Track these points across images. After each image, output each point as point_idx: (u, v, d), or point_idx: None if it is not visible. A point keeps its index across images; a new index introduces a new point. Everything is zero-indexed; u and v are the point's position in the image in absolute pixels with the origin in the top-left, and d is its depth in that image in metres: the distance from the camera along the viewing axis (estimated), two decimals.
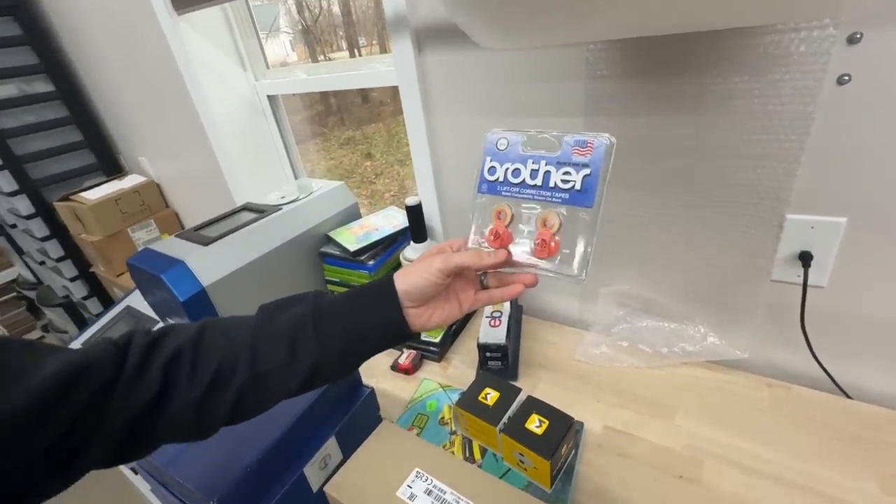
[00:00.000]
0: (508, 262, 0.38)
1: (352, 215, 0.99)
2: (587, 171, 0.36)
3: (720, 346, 0.69)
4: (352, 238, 0.89)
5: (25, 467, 0.28)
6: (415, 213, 0.80)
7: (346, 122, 1.74)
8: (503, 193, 0.39)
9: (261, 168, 1.34)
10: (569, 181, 0.36)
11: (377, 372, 0.81)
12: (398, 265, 0.89)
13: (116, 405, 0.32)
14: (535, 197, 0.38)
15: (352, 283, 0.88)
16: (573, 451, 0.57)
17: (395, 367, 0.80)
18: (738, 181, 0.59)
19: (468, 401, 0.58)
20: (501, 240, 0.38)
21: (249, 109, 1.30)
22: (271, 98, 1.30)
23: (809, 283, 0.60)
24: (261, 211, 0.87)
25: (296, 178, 1.38)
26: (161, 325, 0.74)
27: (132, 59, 1.39)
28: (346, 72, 1.04)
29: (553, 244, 0.36)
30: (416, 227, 0.82)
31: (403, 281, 0.38)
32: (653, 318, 0.75)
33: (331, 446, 0.53)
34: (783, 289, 0.63)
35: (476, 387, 0.60)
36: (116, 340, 0.35)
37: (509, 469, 0.56)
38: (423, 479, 0.39)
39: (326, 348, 0.36)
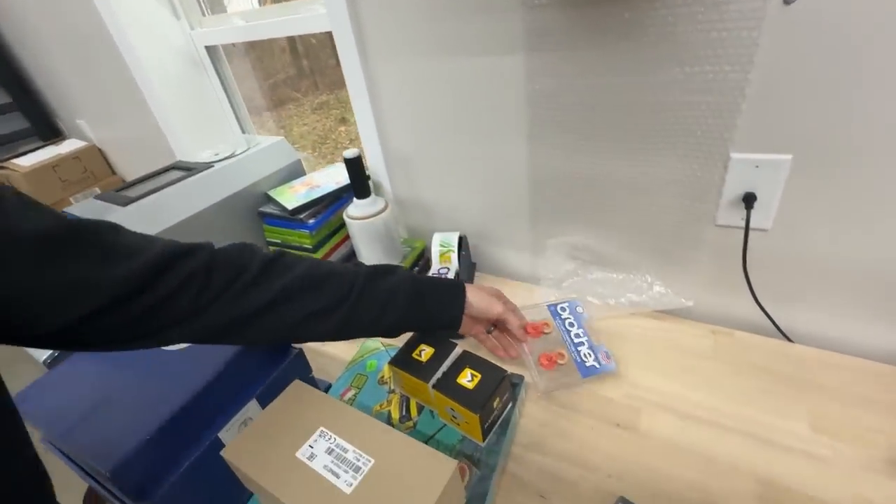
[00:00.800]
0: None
1: (294, 173, 0.93)
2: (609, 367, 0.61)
3: (666, 294, 0.67)
4: (292, 197, 0.84)
5: (125, 327, 0.35)
6: (354, 166, 0.75)
7: (320, 86, 1.64)
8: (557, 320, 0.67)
9: (206, 127, 1.26)
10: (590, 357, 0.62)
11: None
12: (341, 224, 0.85)
13: (222, 302, 0.39)
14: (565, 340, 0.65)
15: (292, 244, 0.84)
16: (509, 405, 0.55)
17: None
18: (682, 119, 0.56)
19: (402, 357, 0.56)
20: (530, 335, 0.64)
21: (186, 62, 1.19)
22: (210, 49, 1.19)
23: (753, 226, 0.58)
24: (189, 169, 0.81)
25: (243, 133, 1.29)
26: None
27: (54, 7, 1.25)
28: (286, 17, 0.95)
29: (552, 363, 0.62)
30: (358, 182, 0.77)
31: (474, 294, 0.55)
32: (602, 269, 0.73)
33: (252, 409, 0.50)
34: (728, 233, 0.61)
35: (411, 344, 0.57)
36: (230, 249, 0.43)
37: (444, 425, 0.55)
38: (327, 437, 0.36)
39: (407, 316, 0.49)
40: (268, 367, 0.54)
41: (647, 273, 0.69)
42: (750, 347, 0.63)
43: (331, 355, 0.73)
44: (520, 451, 0.55)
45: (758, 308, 0.63)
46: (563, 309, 0.68)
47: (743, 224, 0.58)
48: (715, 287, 0.66)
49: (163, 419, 0.43)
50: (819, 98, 0.48)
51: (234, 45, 1.21)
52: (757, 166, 0.54)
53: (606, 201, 0.67)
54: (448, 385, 0.51)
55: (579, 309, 0.68)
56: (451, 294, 0.53)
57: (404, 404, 0.58)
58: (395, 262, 0.83)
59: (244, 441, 0.37)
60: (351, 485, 0.32)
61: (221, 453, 0.37)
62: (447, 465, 0.33)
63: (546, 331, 0.66)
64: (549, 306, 0.69)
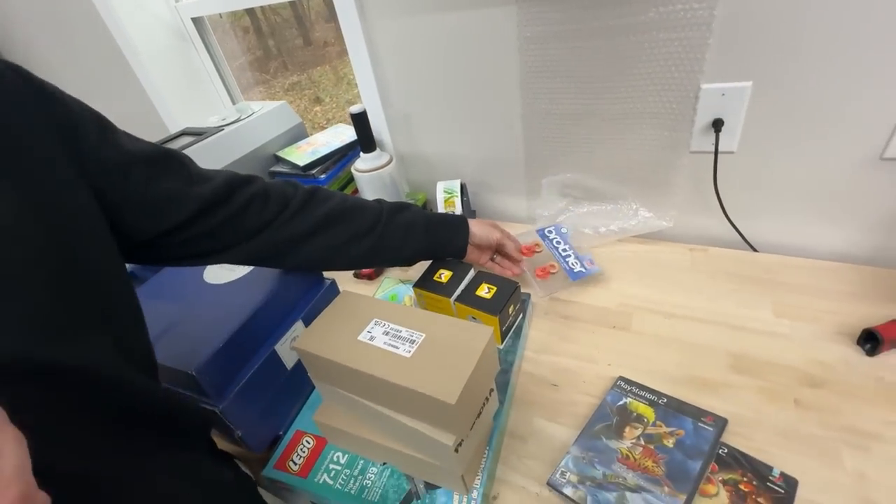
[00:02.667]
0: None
1: (298, 135, 0.97)
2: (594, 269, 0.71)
3: (650, 218, 0.76)
4: (301, 155, 0.89)
5: (206, 238, 0.44)
6: (360, 120, 0.80)
7: (290, 67, 1.63)
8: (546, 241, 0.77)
9: (197, 100, 1.27)
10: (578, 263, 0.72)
11: (340, 280, 0.84)
12: (350, 179, 0.90)
13: (275, 226, 0.48)
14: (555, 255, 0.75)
15: None
16: (520, 315, 0.64)
17: (358, 275, 0.84)
18: (658, 57, 0.63)
19: (424, 281, 0.63)
20: (524, 255, 0.73)
21: (174, 36, 1.20)
22: (196, 21, 1.20)
23: (722, 149, 0.66)
24: (200, 133, 0.85)
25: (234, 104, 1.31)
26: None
27: None
28: None
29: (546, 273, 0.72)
30: (364, 136, 0.82)
31: (475, 226, 0.64)
32: (591, 203, 0.81)
33: (298, 328, 0.57)
34: (701, 158, 0.69)
35: (431, 270, 0.65)
36: (286, 181, 0.53)
37: None
38: (381, 324, 0.43)
39: (425, 247, 0.59)
40: (307, 295, 0.61)
41: (633, 201, 0.77)
42: (722, 259, 0.73)
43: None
44: (532, 354, 0.64)
45: (728, 225, 0.72)
46: (549, 231, 0.78)
47: (712, 148, 0.67)
48: (691, 208, 0.75)
49: (230, 332, 0.49)
50: (773, 28, 0.56)
51: (219, 15, 1.23)
52: (723, 94, 0.62)
53: (594, 139, 0.75)
54: (468, 298, 0.59)
55: (563, 230, 0.78)
56: (457, 226, 0.63)
57: None
58: None
59: (310, 335, 0.44)
60: (410, 352, 0.40)
61: (293, 346, 0.44)
62: (485, 331, 0.40)
63: (537, 250, 0.76)
64: (537, 231, 0.79)
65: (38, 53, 1.47)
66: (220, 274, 0.59)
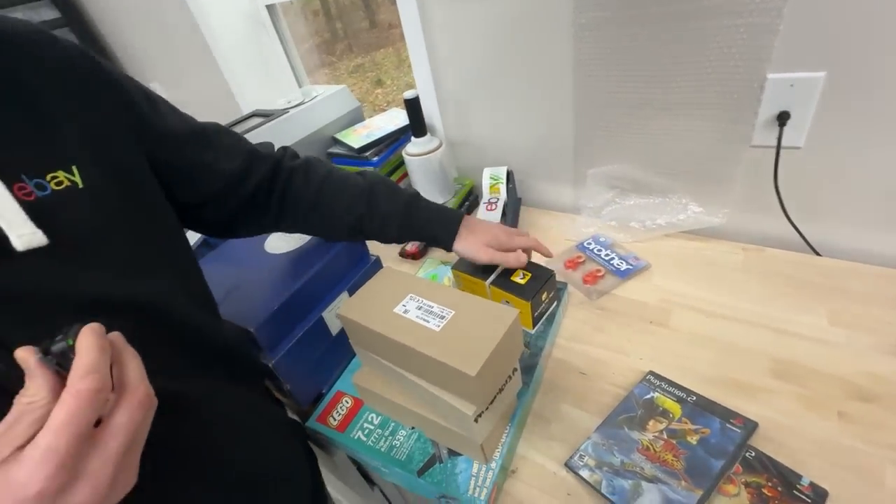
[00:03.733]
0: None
1: (356, 118, 1.02)
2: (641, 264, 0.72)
3: (700, 213, 0.73)
4: (356, 138, 0.94)
5: (232, 211, 0.51)
6: (413, 106, 0.83)
7: (355, 49, 1.68)
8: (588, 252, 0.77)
9: (269, 84, 1.37)
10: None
11: (386, 258, 0.89)
12: (400, 162, 0.94)
13: (276, 197, 0.54)
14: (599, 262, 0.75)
15: None
16: (554, 303, 0.65)
17: (403, 254, 0.88)
18: (721, 44, 0.60)
19: (462, 264, 0.66)
20: (568, 269, 0.75)
21: (250, 22, 1.30)
22: (270, 8, 1.28)
23: (787, 144, 0.62)
24: (268, 115, 0.92)
25: (300, 87, 1.39)
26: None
27: None
28: None
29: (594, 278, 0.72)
30: (416, 121, 0.85)
31: (460, 244, 0.58)
32: (639, 195, 0.79)
33: (344, 298, 0.62)
34: (763, 154, 0.65)
35: None
36: (276, 154, 0.57)
37: None
38: (415, 300, 0.47)
39: (402, 237, 0.58)
40: (353, 269, 0.66)
41: (683, 195, 0.75)
42: (779, 261, 0.69)
43: None
44: (564, 342, 0.65)
45: (788, 225, 0.68)
46: (589, 244, 0.78)
47: (775, 144, 0.63)
48: (748, 206, 0.71)
49: (285, 297, 0.55)
50: (852, 13, 0.52)
51: (291, 1, 1.30)
52: (792, 85, 0.58)
53: (646, 129, 0.73)
54: (503, 282, 0.61)
55: (602, 238, 0.78)
56: (443, 226, 0.58)
57: None
58: (447, 198, 0.93)
59: (353, 305, 0.49)
60: (439, 326, 0.43)
61: (338, 312, 0.49)
62: (511, 312, 0.43)
63: (580, 261, 0.75)
64: (576, 246, 0.79)
65: (136, 41, 1.64)
66: (278, 244, 0.65)
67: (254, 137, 0.87)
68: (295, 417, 0.56)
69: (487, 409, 0.43)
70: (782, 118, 0.60)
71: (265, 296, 0.56)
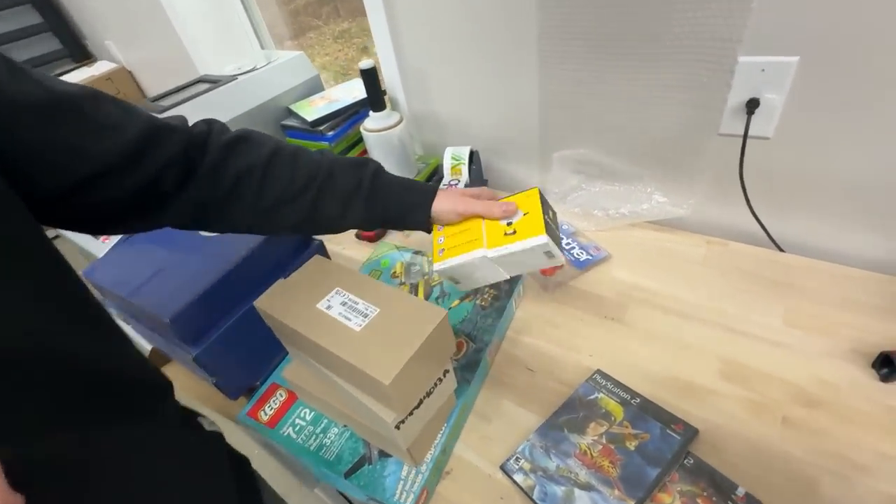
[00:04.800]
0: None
1: (314, 88, 0.95)
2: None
3: (665, 203, 0.70)
4: (312, 110, 0.88)
5: (115, 203, 0.37)
6: (369, 77, 0.77)
7: (342, 12, 1.57)
8: None
9: (227, 43, 1.27)
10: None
11: (343, 239, 0.85)
12: (359, 138, 0.89)
13: (193, 187, 0.40)
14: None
15: None
16: (519, 281, 0.61)
17: (360, 236, 0.84)
18: (692, 23, 0.55)
19: None
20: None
21: None
22: None
23: (756, 133, 0.59)
24: (215, 81, 0.85)
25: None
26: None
27: None
28: None
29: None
30: (373, 94, 0.79)
31: (437, 205, 0.48)
32: (605, 182, 0.75)
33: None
34: (730, 142, 0.62)
35: None
36: (199, 127, 0.42)
37: (449, 309, 0.62)
38: (341, 294, 0.43)
39: (366, 220, 0.47)
40: (294, 254, 0.62)
41: (649, 184, 0.71)
42: (741, 255, 0.66)
43: (346, 256, 0.81)
44: (514, 335, 0.62)
45: (753, 219, 0.65)
46: None
47: (743, 133, 0.59)
48: (714, 197, 0.68)
49: (209, 283, 0.51)
50: None
51: None
52: (763, 70, 0.54)
53: (613, 112, 0.68)
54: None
55: (564, 226, 0.74)
56: (415, 200, 0.49)
57: (413, 293, 0.66)
58: (409, 177, 0.88)
59: (273, 296, 0.45)
60: (360, 325, 0.40)
61: (255, 303, 0.45)
62: (438, 312, 0.39)
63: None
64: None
65: (90, 5, 1.52)
66: None
67: (199, 106, 0.81)
68: (213, 429, 0.48)
69: (412, 414, 0.41)
70: (751, 105, 0.56)
71: (189, 281, 0.52)
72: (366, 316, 0.40)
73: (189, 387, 0.64)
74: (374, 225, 0.48)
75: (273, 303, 0.44)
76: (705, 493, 0.42)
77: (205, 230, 0.45)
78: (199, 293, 0.50)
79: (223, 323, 0.53)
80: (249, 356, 0.57)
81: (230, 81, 0.85)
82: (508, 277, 0.48)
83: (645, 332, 0.59)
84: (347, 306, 0.42)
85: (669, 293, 0.63)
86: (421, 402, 0.41)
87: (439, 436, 0.48)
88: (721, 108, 0.59)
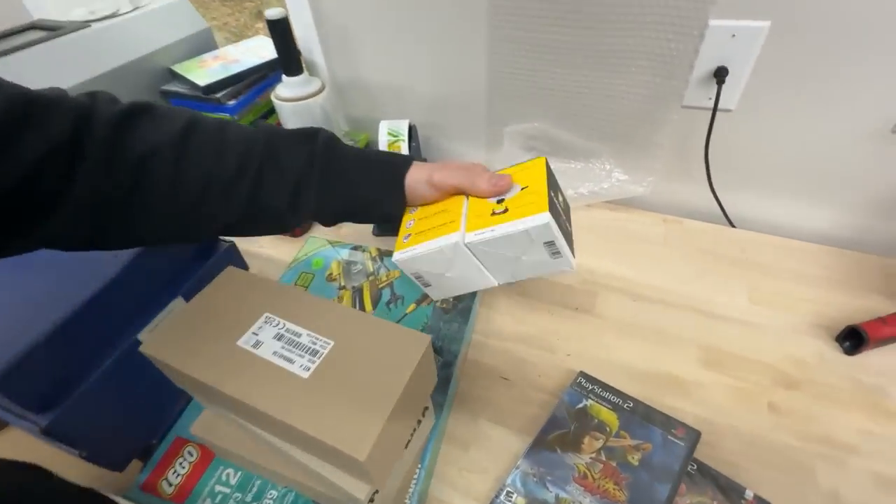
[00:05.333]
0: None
1: (203, 45, 0.76)
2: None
3: (625, 182, 0.66)
4: (203, 73, 0.69)
5: None
6: (280, 31, 0.61)
7: None
8: None
9: None
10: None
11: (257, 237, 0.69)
12: (271, 109, 0.72)
13: (83, 181, 0.28)
14: None
15: None
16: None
17: None
18: None
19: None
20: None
21: None
22: None
23: (720, 105, 0.56)
24: (55, 29, 0.62)
25: None
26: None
27: None
28: None
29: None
30: (285, 53, 0.64)
31: (407, 177, 0.37)
32: (559, 159, 0.69)
33: (178, 308, 0.43)
34: (693, 116, 0.58)
35: None
36: (78, 100, 0.30)
37: (403, 317, 0.52)
38: (274, 323, 0.31)
39: (324, 209, 0.35)
40: (194, 262, 0.46)
41: (607, 161, 0.66)
42: (698, 233, 0.65)
43: (266, 256, 0.66)
44: (480, 337, 0.54)
45: (708, 195, 0.64)
46: None
47: (708, 104, 0.56)
48: (672, 173, 0.66)
49: (59, 320, 0.35)
50: None
51: None
52: (733, 35, 0.51)
53: (571, 80, 0.62)
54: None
55: None
56: (383, 177, 0.37)
57: (357, 299, 0.54)
58: None
59: (168, 333, 0.31)
60: (308, 368, 0.28)
61: (140, 348, 0.30)
62: (419, 341, 0.29)
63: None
64: None
65: None
66: None
67: (31, 62, 0.58)
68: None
69: (384, 485, 0.30)
70: (720, 74, 0.53)
71: (25, 321, 0.35)
72: (314, 354, 0.29)
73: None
74: (331, 218, 0.37)
75: (168, 344, 0.30)
76: (715, 502, 0.38)
77: (107, 245, 0.33)
78: (41, 337, 0.33)
79: (91, 369, 0.37)
80: (136, 409, 0.42)
81: (79, 29, 0.62)
82: (497, 284, 0.37)
83: (619, 323, 0.54)
84: (285, 341, 0.30)
85: (636, 278, 0.59)
86: (395, 464, 0.31)
87: (413, 483, 0.39)
88: (686, 76, 0.55)
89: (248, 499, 0.39)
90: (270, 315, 0.31)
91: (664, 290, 0.58)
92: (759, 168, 0.61)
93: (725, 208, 0.64)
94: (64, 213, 0.28)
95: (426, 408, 0.34)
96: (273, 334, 0.30)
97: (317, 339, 0.29)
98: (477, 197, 0.36)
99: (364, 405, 0.26)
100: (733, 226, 0.65)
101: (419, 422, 0.34)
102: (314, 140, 0.35)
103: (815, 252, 0.60)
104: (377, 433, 0.24)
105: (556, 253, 0.32)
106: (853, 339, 0.49)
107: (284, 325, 0.30)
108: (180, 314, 0.32)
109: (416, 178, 0.37)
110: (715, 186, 0.63)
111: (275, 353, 0.29)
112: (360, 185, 0.36)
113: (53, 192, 0.28)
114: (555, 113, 0.66)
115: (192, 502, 0.39)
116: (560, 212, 0.34)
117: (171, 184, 0.31)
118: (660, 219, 0.67)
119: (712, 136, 0.58)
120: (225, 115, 0.67)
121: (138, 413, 0.42)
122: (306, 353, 0.29)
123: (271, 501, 0.38)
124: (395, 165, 0.38)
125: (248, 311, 0.32)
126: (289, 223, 0.36)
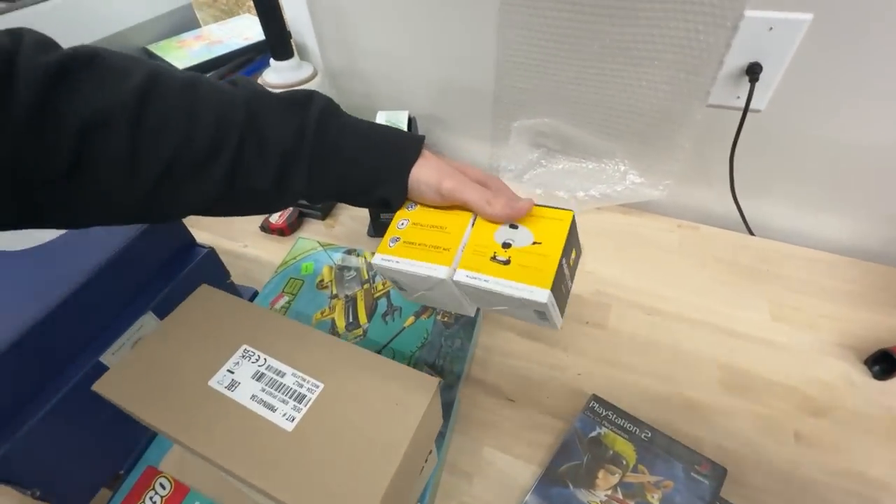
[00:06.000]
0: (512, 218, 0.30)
1: (184, 23, 0.69)
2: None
3: (641, 185, 0.61)
4: (183, 54, 0.63)
5: None
6: (268, 9, 0.55)
7: None
8: None
9: None
10: None
11: (242, 234, 0.64)
12: None
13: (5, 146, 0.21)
14: None
15: None
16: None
17: (267, 228, 0.64)
18: None
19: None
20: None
21: None
22: None
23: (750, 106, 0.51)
24: (12, 0, 0.56)
25: None
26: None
27: None
28: None
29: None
30: (274, 34, 0.58)
31: (416, 170, 0.31)
32: (571, 159, 0.64)
33: (147, 325, 0.38)
34: (719, 115, 0.54)
35: None
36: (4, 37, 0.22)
37: (399, 332, 0.47)
38: (253, 358, 0.26)
39: (314, 192, 0.30)
40: (167, 270, 0.41)
41: (622, 161, 0.62)
42: (714, 241, 0.61)
43: (252, 257, 0.61)
44: (482, 353, 0.50)
45: (726, 201, 0.60)
46: None
47: (737, 103, 0.51)
48: (690, 177, 0.62)
49: (4, 341, 0.30)
50: None
51: None
52: (771, 28, 0.46)
53: (588, 73, 0.57)
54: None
55: None
56: (385, 165, 0.31)
57: (350, 309, 0.49)
58: None
59: (128, 369, 0.26)
60: (293, 418, 0.23)
61: (94, 387, 0.26)
62: (425, 386, 0.24)
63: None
64: None
65: None
66: (11, 236, 0.37)
67: None
68: None
69: None
70: (753, 71, 0.48)
71: None
72: (300, 399, 0.24)
73: None
74: (322, 197, 0.31)
75: (126, 383, 0.25)
76: None
77: (42, 225, 0.25)
78: None
79: (43, 400, 0.32)
80: (99, 439, 0.37)
81: (41, 2, 0.56)
82: (472, 314, 0.35)
83: (634, 339, 0.51)
84: (266, 381, 0.25)
85: (649, 289, 0.55)
86: None
87: None
88: (714, 73, 0.51)
89: None
90: (249, 348, 0.27)
91: (680, 302, 0.54)
92: (784, 173, 0.57)
93: (748, 216, 0.61)
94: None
95: (430, 451, 0.30)
96: (252, 372, 0.25)
97: (303, 380, 0.25)
98: (487, 220, 0.31)
99: (360, 467, 0.21)
100: (752, 233, 0.61)
101: (422, 467, 0.30)
102: (306, 108, 0.29)
103: (839, 264, 0.57)
104: (380, 498, 0.20)
105: (543, 318, 0.29)
106: (884, 363, 0.46)
107: (266, 362, 0.26)
108: (142, 346, 0.27)
109: (423, 179, 0.31)
110: (737, 192, 0.59)
111: (253, 396, 0.24)
112: (357, 165, 0.30)
113: None
114: (567, 108, 0.61)
115: None
116: (566, 275, 0.30)
117: (124, 161, 0.24)
118: (674, 224, 0.63)
119: (741, 139, 0.54)
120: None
121: (102, 443, 0.37)
122: (291, 397, 0.24)
123: None
124: (401, 150, 0.31)
125: (223, 341, 0.27)
126: (274, 205, 0.31)
